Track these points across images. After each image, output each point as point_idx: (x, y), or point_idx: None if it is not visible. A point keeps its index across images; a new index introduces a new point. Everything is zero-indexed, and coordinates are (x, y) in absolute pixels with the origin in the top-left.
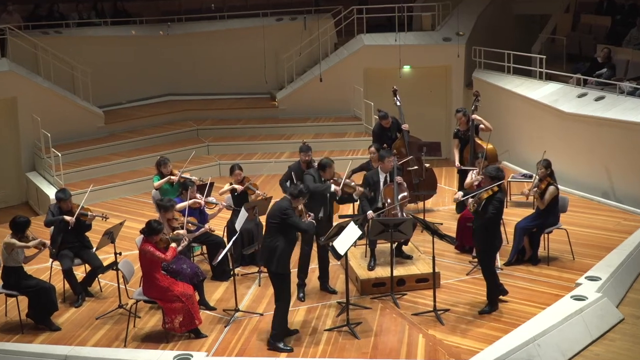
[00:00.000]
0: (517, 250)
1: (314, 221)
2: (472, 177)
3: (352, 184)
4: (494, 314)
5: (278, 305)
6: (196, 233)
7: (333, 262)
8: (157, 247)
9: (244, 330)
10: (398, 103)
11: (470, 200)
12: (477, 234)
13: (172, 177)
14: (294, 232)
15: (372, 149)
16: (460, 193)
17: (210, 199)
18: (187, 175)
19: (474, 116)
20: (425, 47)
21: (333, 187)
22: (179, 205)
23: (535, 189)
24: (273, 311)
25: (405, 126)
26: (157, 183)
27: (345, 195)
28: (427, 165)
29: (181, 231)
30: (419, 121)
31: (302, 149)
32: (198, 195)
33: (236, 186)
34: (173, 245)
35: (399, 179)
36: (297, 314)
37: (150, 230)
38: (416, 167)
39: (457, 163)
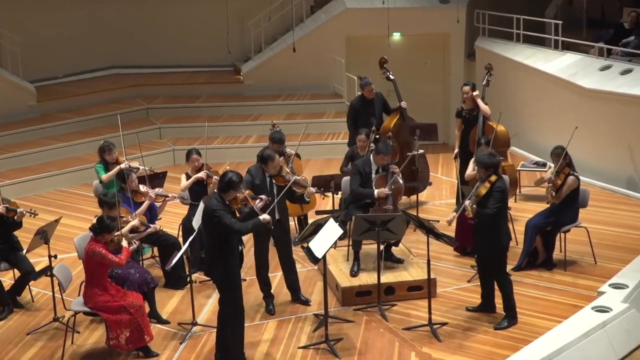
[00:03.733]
0: (528, 252)
1: (265, 218)
2: (473, 167)
3: (302, 179)
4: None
5: (219, 321)
6: (143, 233)
7: (309, 267)
8: (108, 249)
9: (202, 347)
10: (391, 77)
11: (467, 202)
12: (479, 235)
13: (122, 166)
14: (235, 237)
15: (362, 136)
16: (454, 214)
17: (158, 190)
18: (135, 164)
19: (474, 93)
20: (419, 11)
21: (262, 217)
22: (139, 210)
23: (551, 184)
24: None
25: (403, 104)
26: (105, 176)
27: (295, 194)
28: (421, 151)
29: (134, 222)
30: (412, 99)
31: (274, 139)
32: (142, 187)
33: (201, 175)
34: (125, 244)
35: (393, 167)
36: (266, 329)
37: (102, 228)
38: (422, 151)
39: (456, 150)
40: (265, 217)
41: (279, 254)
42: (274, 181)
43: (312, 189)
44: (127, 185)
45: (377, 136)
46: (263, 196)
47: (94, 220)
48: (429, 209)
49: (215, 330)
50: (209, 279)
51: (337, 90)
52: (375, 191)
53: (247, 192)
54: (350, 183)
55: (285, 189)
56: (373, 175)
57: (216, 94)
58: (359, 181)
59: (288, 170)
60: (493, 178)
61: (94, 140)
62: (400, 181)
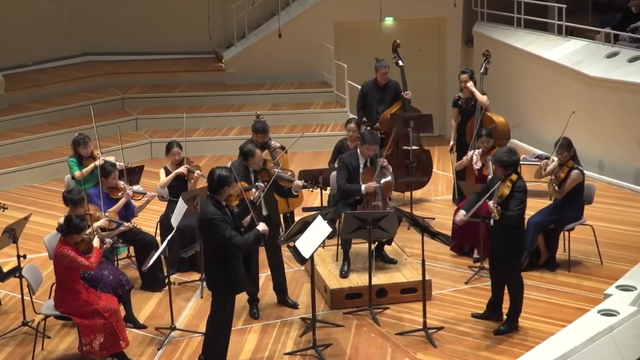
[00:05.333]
0: (529, 252)
1: (264, 228)
2: (473, 157)
3: (288, 175)
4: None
5: (212, 327)
6: (115, 231)
7: (296, 268)
8: (78, 250)
9: (181, 353)
10: (401, 63)
11: (492, 204)
12: (498, 236)
13: (97, 162)
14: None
15: (352, 125)
16: (463, 212)
17: (137, 187)
18: (110, 159)
19: (469, 84)
20: None
21: (261, 229)
22: (113, 208)
23: (553, 178)
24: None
25: (407, 94)
26: (78, 173)
27: (283, 188)
28: (415, 147)
29: (101, 222)
30: None
31: (257, 129)
32: (121, 183)
33: (182, 170)
34: (96, 243)
35: (382, 161)
36: (249, 334)
37: (70, 228)
38: (416, 147)
39: (451, 142)
40: (263, 227)
41: (267, 252)
42: (258, 176)
43: (299, 182)
44: (107, 181)
45: (368, 127)
46: (259, 184)
47: (61, 220)
48: (424, 206)
49: (199, 334)
50: (202, 281)
51: (326, 78)
52: (363, 186)
53: (240, 183)
54: (337, 178)
55: (269, 183)
56: (361, 170)
57: (196, 82)
58: (345, 176)
59: (273, 164)
60: (514, 177)
61: (66, 132)
62: (390, 176)
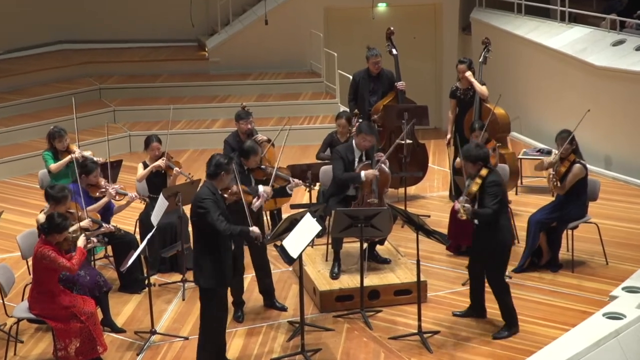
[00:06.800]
0: (531, 251)
1: (255, 232)
2: None
3: (284, 172)
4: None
5: (202, 329)
6: (95, 232)
7: (283, 269)
8: (60, 250)
9: (162, 359)
10: (394, 51)
11: (459, 204)
12: (478, 234)
13: (75, 157)
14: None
15: (341, 121)
16: (463, 199)
17: (119, 187)
18: (87, 153)
19: (467, 74)
20: None
21: (252, 229)
22: (93, 207)
23: (553, 172)
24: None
25: (401, 84)
26: (54, 165)
27: (277, 187)
28: (409, 141)
29: (84, 222)
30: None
31: (239, 115)
32: (103, 182)
33: (159, 163)
34: (80, 244)
35: (379, 155)
36: (234, 338)
37: (52, 227)
38: (410, 141)
39: (448, 135)
40: (255, 230)
41: (251, 254)
42: (252, 175)
43: (298, 181)
44: (87, 179)
45: (361, 119)
46: (262, 193)
47: (39, 216)
48: (419, 203)
49: (180, 338)
50: (193, 281)
51: (315, 68)
52: (362, 173)
53: (242, 186)
54: (334, 169)
55: (271, 185)
56: (356, 164)
57: (178, 72)
58: (342, 168)
59: (267, 163)
60: (484, 172)
61: (40, 125)
62: (387, 170)
